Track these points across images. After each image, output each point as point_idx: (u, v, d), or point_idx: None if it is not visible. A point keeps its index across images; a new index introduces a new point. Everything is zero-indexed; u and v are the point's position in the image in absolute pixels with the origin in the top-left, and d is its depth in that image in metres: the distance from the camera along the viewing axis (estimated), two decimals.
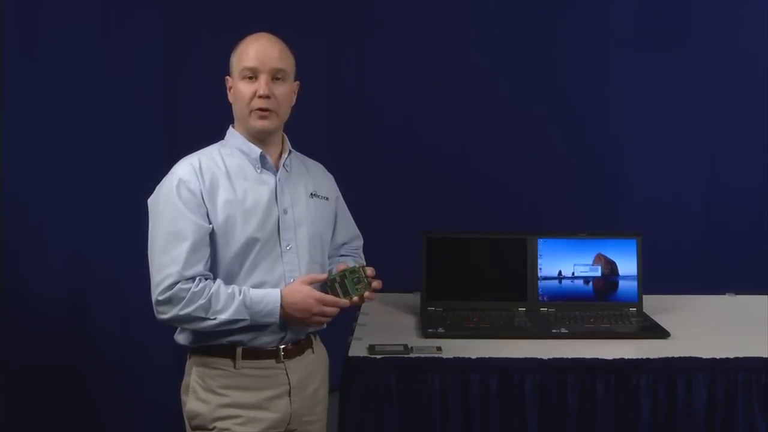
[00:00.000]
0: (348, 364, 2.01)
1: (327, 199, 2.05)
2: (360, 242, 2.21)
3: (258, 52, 1.88)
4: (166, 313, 1.81)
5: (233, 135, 1.96)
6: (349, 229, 2.17)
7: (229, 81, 1.94)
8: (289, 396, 1.91)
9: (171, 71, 3.02)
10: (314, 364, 2.00)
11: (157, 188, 1.89)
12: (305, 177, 2.02)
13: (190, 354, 1.94)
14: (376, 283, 1.94)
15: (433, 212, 3.32)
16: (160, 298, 1.80)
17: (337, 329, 2.14)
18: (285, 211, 1.92)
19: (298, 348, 1.94)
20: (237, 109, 1.93)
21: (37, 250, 2.76)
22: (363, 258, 2.18)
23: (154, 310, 1.83)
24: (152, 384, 2.93)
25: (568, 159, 3.45)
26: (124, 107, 2.91)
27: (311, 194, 2.00)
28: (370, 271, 1.94)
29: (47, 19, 2.73)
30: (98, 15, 2.84)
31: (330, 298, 1.88)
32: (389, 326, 2.31)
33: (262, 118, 1.88)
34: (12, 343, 2.69)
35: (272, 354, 1.90)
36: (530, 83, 3.41)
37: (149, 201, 1.90)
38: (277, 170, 1.94)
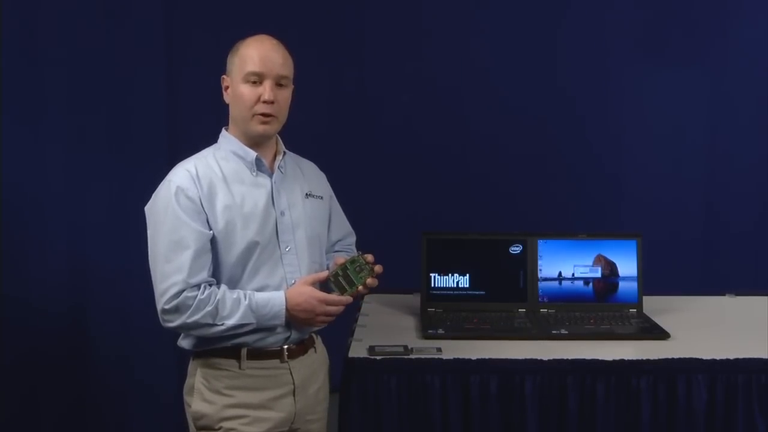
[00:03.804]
0: (348, 365, 2.00)
1: (321, 198, 2.05)
2: (353, 239, 2.21)
3: (263, 57, 1.87)
4: (173, 322, 1.81)
5: (227, 138, 1.95)
6: (342, 226, 2.17)
7: (226, 80, 1.93)
8: (294, 395, 1.92)
9: (171, 71, 3.02)
10: (317, 363, 2.01)
11: (154, 196, 1.88)
12: (300, 178, 2.02)
13: (193, 356, 1.94)
14: (378, 267, 1.94)
15: (433, 212, 3.32)
16: (167, 307, 1.80)
17: (337, 330, 2.14)
18: (282, 213, 1.93)
19: (301, 348, 1.95)
20: (236, 112, 1.91)
21: (38, 250, 2.76)
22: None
23: (160, 319, 1.83)
24: (152, 384, 2.93)
25: (567, 160, 3.45)
26: (124, 108, 2.91)
27: (306, 194, 2.00)
28: (370, 257, 1.95)
29: (47, 19, 2.73)
30: (98, 15, 2.84)
31: (333, 297, 1.89)
32: (389, 327, 2.31)
33: (264, 123, 1.88)
34: (12, 343, 2.69)
35: (276, 354, 1.91)
36: (530, 84, 3.41)
37: (147, 209, 1.88)
38: (272, 173, 1.94)
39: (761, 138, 3.44)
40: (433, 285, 2.43)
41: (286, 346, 1.91)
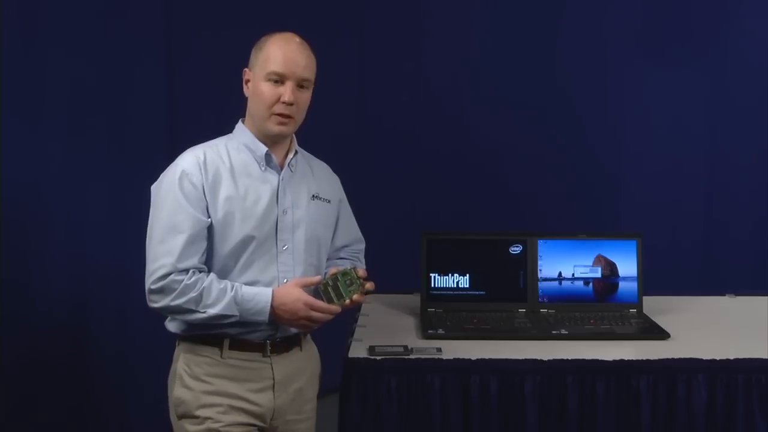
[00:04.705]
0: (348, 365, 2.00)
1: (329, 201, 2.04)
2: (362, 246, 2.20)
3: (287, 59, 1.87)
4: (158, 303, 1.83)
5: (242, 130, 1.95)
6: (350, 232, 2.16)
7: (248, 74, 1.93)
8: (273, 390, 1.91)
9: (171, 70, 3.02)
10: (302, 362, 1.99)
11: (161, 177, 1.90)
12: (309, 178, 2.02)
13: (178, 341, 1.95)
14: (369, 285, 1.93)
15: (433, 212, 3.33)
16: (153, 287, 1.81)
17: (337, 330, 2.14)
18: (284, 212, 1.92)
19: (285, 344, 1.94)
20: (254, 108, 1.91)
21: (38, 249, 2.76)
22: (363, 262, 2.17)
23: (147, 299, 1.85)
24: (152, 383, 2.91)
25: (568, 159, 3.46)
26: (124, 107, 2.91)
27: (313, 196, 2.00)
28: (362, 272, 1.94)
29: (47, 18, 2.73)
30: (98, 14, 2.84)
31: (320, 304, 1.88)
32: (389, 327, 2.31)
33: (281, 123, 1.88)
34: (12, 342, 2.68)
35: (259, 347, 1.90)
36: (530, 83, 3.42)
37: (152, 188, 1.90)
38: (282, 170, 1.94)
39: (761, 138, 3.45)
40: (433, 285, 2.42)
41: (269, 341, 1.91)
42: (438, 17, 3.42)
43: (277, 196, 1.92)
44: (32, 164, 2.73)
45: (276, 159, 1.94)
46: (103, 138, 2.88)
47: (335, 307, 1.89)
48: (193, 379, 1.89)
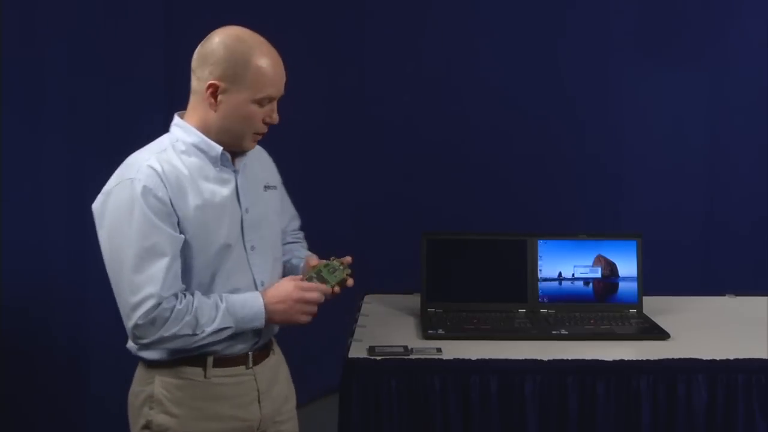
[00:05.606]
0: (348, 365, 2.00)
1: (276, 187, 1.94)
2: (298, 222, 2.10)
3: (277, 80, 1.75)
4: (148, 337, 1.67)
5: (187, 130, 1.75)
6: (289, 211, 2.07)
7: (220, 86, 1.71)
8: (259, 401, 1.85)
9: (171, 70, 3.01)
10: (276, 366, 1.93)
11: (107, 195, 1.71)
12: (257, 169, 1.89)
13: (149, 363, 1.77)
14: (349, 282, 1.86)
15: (433, 212, 3.33)
16: (141, 322, 1.65)
17: (337, 330, 2.14)
18: (247, 210, 1.81)
19: (264, 352, 1.88)
20: (232, 126, 1.74)
21: (37, 250, 2.75)
22: (305, 241, 2.09)
23: (130, 335, 1.70)
24: None
25: (568, 160, 3.46)
26: (124, 106, 2.90)
27: (265, 187, 1.88)
28: (348, 259, 1.87)
29: (47, 18, 2.73)
30: (98, 13, 2.84)
31: (309, 284, 1.79)
32: (389, 328, 2.30)
33: (255, 140, 1.80)
34: (11, 342, 2.68)
35: (242, 360, 1.81)
36: (531, 84, 3.42)
37: (95, 208, 1.73)
38: (235, 166, 1.80)
39: (761, 138, 3.45)
40: (433, 285, 2.42)
41: (251, 352, 1.82)
42: (439, 18, 3.42)
43: (237, 195, 1.79)
44: (32, 164, 2.73)
45: (229, 157, 1.79)
46: (103, 138, 2.88)
47: (325, 287, 1.80)
48: (176, 405, 1.75)
